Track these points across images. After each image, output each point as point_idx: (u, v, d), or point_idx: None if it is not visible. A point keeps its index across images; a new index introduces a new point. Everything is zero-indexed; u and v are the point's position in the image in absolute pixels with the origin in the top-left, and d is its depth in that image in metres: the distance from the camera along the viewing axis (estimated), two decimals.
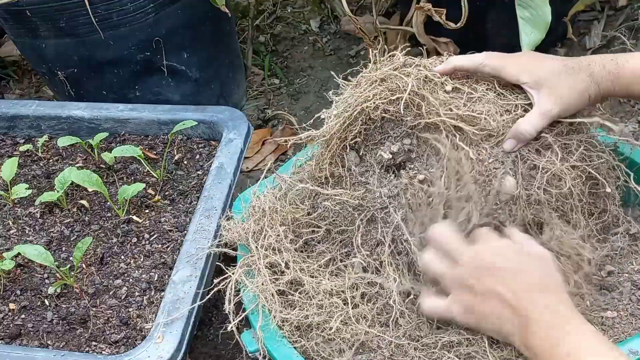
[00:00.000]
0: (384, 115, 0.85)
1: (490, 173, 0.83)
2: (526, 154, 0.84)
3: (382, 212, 0.86)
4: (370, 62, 0.90)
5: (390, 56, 0.89)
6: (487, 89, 0.87)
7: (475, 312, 0.74)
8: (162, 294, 0.95)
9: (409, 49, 0.93)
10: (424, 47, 1.07)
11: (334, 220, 0.90)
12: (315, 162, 0.93)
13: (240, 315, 0.84)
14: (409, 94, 0.83)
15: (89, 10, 1.28)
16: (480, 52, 0.88)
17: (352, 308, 0.83)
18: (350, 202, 0.87)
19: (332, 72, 0.98)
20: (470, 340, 0.78)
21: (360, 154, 0.90)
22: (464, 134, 0.83)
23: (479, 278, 0.74)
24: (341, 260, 0.89)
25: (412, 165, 0.86)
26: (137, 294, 0.99)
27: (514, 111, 0.85)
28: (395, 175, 0.87)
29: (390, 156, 0.86)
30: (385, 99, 0.84)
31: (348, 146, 0.89)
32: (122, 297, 0.98)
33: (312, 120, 0.94)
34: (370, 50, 0.91)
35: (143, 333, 0.93)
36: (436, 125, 0.84)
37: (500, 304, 0.71)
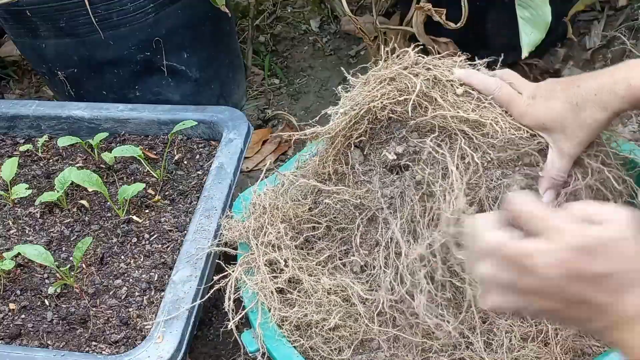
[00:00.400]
0: (390, 115, 0.84)
1: (495, 183, 0.81)
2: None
3: (383, 212, 0.85)
4: (380, 60, 0.88)
5: (402, 53, 0.87)
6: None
7: (555, 316, 0.63)
8: (162, 294, 0.95)
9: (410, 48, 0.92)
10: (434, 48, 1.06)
11: (334, 217, 0.90)
12: (319, 159, 0.92)
13: (240, 314, 0.84)
14: (417, 96, 0.81)
15: (89, 10, 1.27)
16: (498, 67, 0.87)
17: (350, 306, 0.83)
18: (351, 200, 0.87)
19: (343, 70, 0.95)
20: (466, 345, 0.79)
21: (365, 152, 0.89)
22: (471, 139, 0.82)
23: (565, 289, 0.61)
24: (340, 258, 0.89)
25: (416, 168, 0.85)
26: (137, 294, 0.99)
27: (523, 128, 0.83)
28: (398, 177, 0.86)
29: (395, 157, 0.85)
30: (393, 99, 0.83)
31: (353, 144, 0.88)
32: (122, 297, 0.98)
33: (317, 118, 0.93)
34: (381, 47, 0.89)
35: (143, 333, 0.93)
36: (442, 127, 0.82)
37: (588, 308, 0.61)
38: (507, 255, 0.62)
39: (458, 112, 0.81)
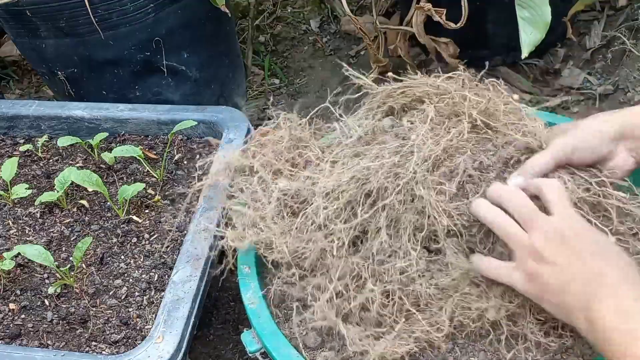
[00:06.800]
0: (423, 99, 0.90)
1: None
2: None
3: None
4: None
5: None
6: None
7: (540, 282, 0.72)
8: (162, 294, 0.95)
9: (411, 48, 0.94)
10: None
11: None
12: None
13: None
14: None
15: (89, 10, 1.28)
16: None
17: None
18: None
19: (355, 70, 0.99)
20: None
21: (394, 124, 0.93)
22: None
23: (557, 248, 0.71)
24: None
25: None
26: (137, 294, 0.99)
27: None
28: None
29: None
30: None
31: (388, 112, 0.93)
32: (122, 297, 0.99)
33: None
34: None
35: (143, 333, 0.93)
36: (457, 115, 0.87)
37: (572, 277, 0.69)
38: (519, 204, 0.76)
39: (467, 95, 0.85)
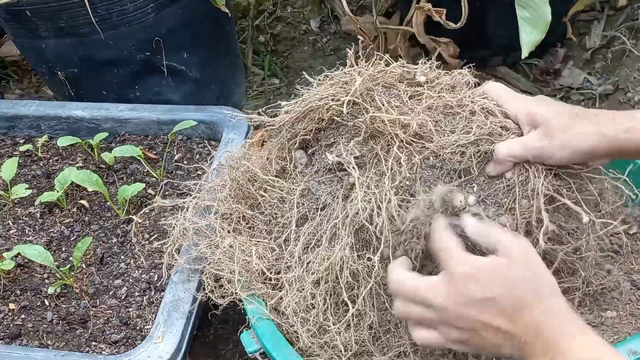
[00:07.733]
0: (334, 118, 0.81)
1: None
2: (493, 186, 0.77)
3: (315, 213, 0.81)
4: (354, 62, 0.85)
5: (377, 59, 0.83)
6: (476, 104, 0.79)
7: (470, 344, 0.68)
8: (162, 294, 0.95)
9: (411, 48, 0.89)
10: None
11: (274, 212, 0.87)
12: (268, 150, 0.91)
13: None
14: (356, 97, 0.77)
15: (89, 10, 1.27)
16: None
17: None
18: (287, 197, 0.84)
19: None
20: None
21: (309, 152, 0.86)
22: (409, 144, 0.76)
23: (462, 316, 0.66)
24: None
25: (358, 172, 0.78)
26: (137, 294, 0.99)
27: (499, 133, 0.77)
28: (337, 178, 0.82)
29: (337, 159, 0.79)
30: (338, 100, 0.79)
31: (298, 142, 0.85)
32: (122, 297, 0.99)
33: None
34: (349, 51, 0.84)
35: (143, 333, 0.93)
36: (382, 132, 0.77)
37: (492, 332, 0.66)
38: (405, 293, 0.70)
39: (399, 122, 0.75)
